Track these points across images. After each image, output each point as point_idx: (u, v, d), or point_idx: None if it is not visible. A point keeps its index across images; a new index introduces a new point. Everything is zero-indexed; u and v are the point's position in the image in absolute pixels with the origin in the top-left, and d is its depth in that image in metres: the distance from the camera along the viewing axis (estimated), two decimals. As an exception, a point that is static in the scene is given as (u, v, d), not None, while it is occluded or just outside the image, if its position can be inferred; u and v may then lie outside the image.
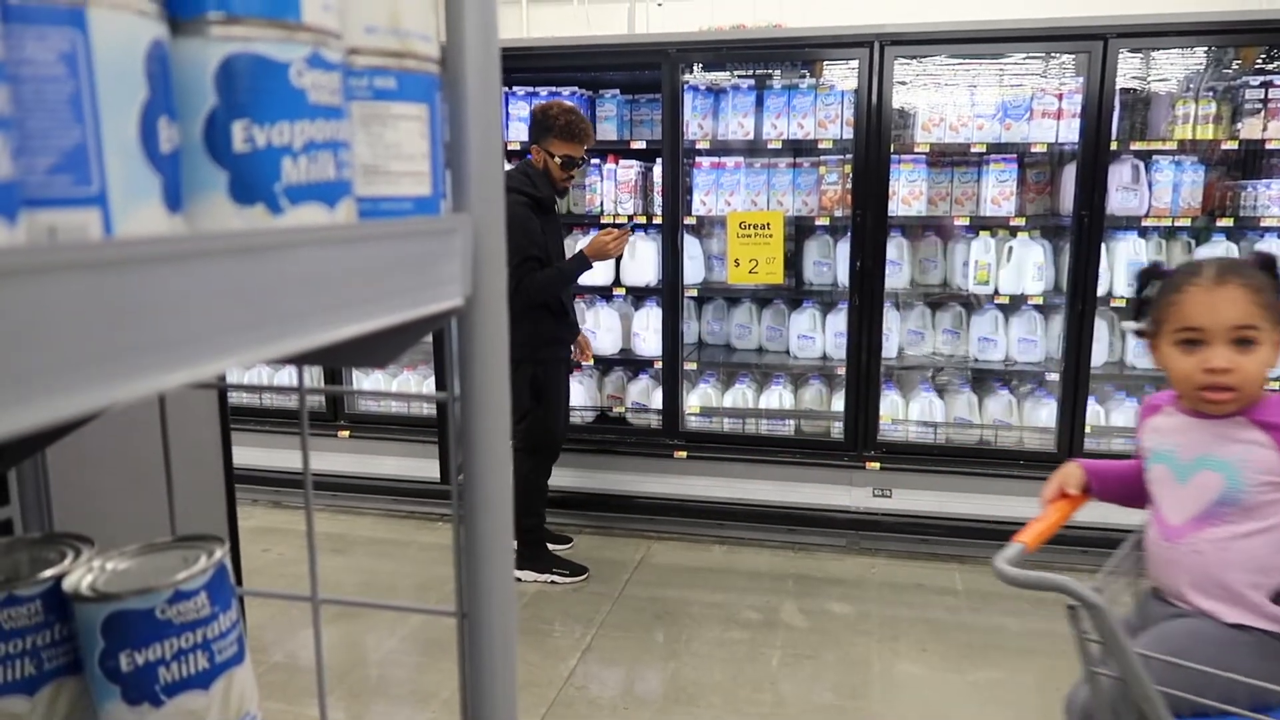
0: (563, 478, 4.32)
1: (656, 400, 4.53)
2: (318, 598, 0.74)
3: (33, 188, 0.35)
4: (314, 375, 4.87)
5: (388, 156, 0.56)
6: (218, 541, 0.69)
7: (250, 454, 4.65)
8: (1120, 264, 4.08)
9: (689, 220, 4.40)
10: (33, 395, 0.32)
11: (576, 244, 4.09)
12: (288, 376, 4.99)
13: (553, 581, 3.85)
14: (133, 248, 0.35)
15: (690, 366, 4.57)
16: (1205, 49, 4.11)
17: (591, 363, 4.30)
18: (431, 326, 0.62)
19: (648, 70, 4.32)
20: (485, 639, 0.67)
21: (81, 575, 0.66)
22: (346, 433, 4.70)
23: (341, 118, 0.50)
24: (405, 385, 4.85)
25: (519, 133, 4.53)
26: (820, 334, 4.52)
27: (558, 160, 3.66)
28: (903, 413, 4.40)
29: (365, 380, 4.92)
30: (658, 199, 4.40)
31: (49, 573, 0.66)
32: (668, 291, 4.32)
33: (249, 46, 0.45)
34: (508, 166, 4.11)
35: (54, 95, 0.35)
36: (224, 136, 0.44)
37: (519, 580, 3.85)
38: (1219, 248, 4.02)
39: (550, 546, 4.13)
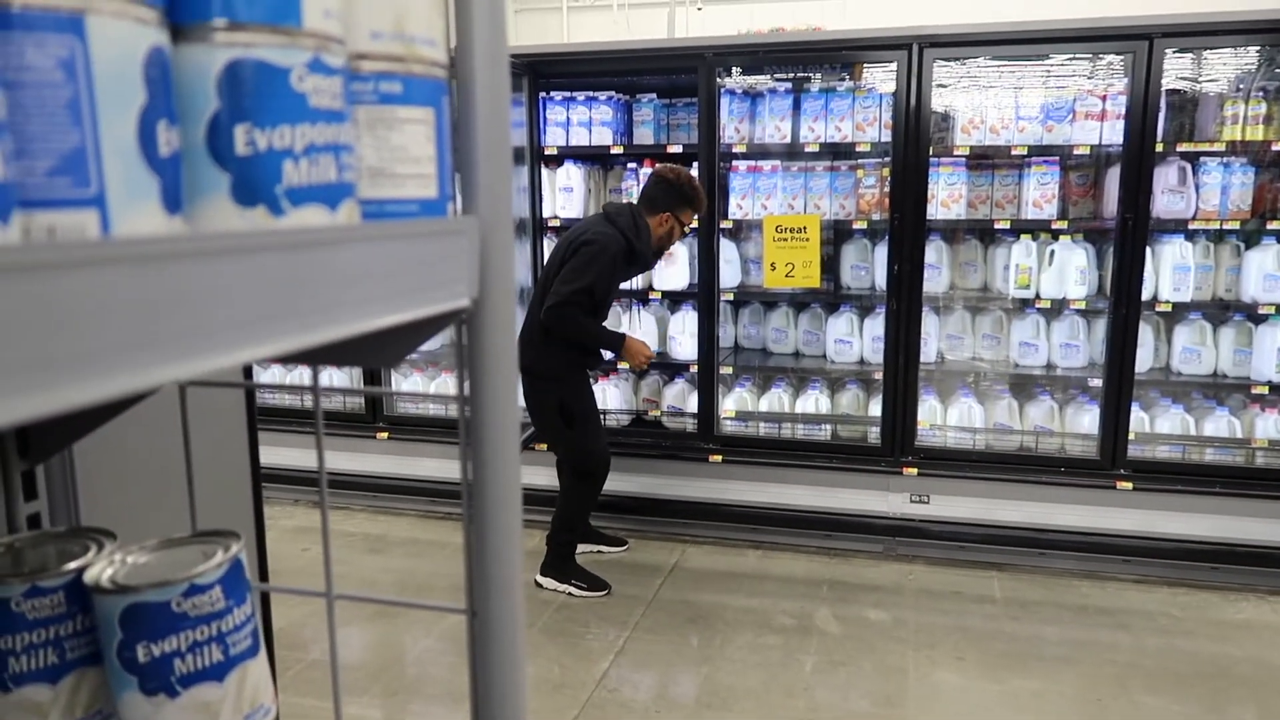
0: (598, 481, 4.33)
1: (692, 404, 4.53)
2: (332, 593, 0.76)
3: (32, 189, 0.36)
4: (353, 377, 4.95)
5: (393, 159, 0.57)
6: (234, 537, 0.70)
7: (291, 455, 4.73)
8: (1166, 268, 4.00)
9: (725, 224, 4.39)
10: (37, 385, 0.34)
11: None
12: (326, 379, 5.07)
13: (570, 594, 3.82)
14: (130, 246, 0.36)
15: (726, 370, 4.56)
16: (1256, 48, 4.02)
17: (646, 366, 4.11)
18: (439, 327, 0.62)
19: (684, 74, 4.32)
20: (494, 636, 0.68)
21: (102, 568, 0.67)
22: (385, 434, 4.76)
23: (343, 121, 0.51)
24: (444, 388, 4.90)
25: (556, 137, 4.56)
26: (858, 338, 4.48)
27: (686, 230, 3.86)
28: (941, 418, 4.35)
29: (404, 382, 4.98)
30: (694, 203, 4.40)
31: (72, 565, 0.68)
32: (703, 295, 4.32)
33: (251, 52, 0.46)
34: (621, 200, 4.21)
35: (53, 100, 0.36)
36: (226, 140, 0.45)
37: (539, 586, 3.86)
38: (1269, 251, 3.92)
39: (604, 549, 4.17)
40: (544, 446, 4.10)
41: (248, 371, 1.06)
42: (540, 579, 3.88)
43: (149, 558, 0.70)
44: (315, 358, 0.62)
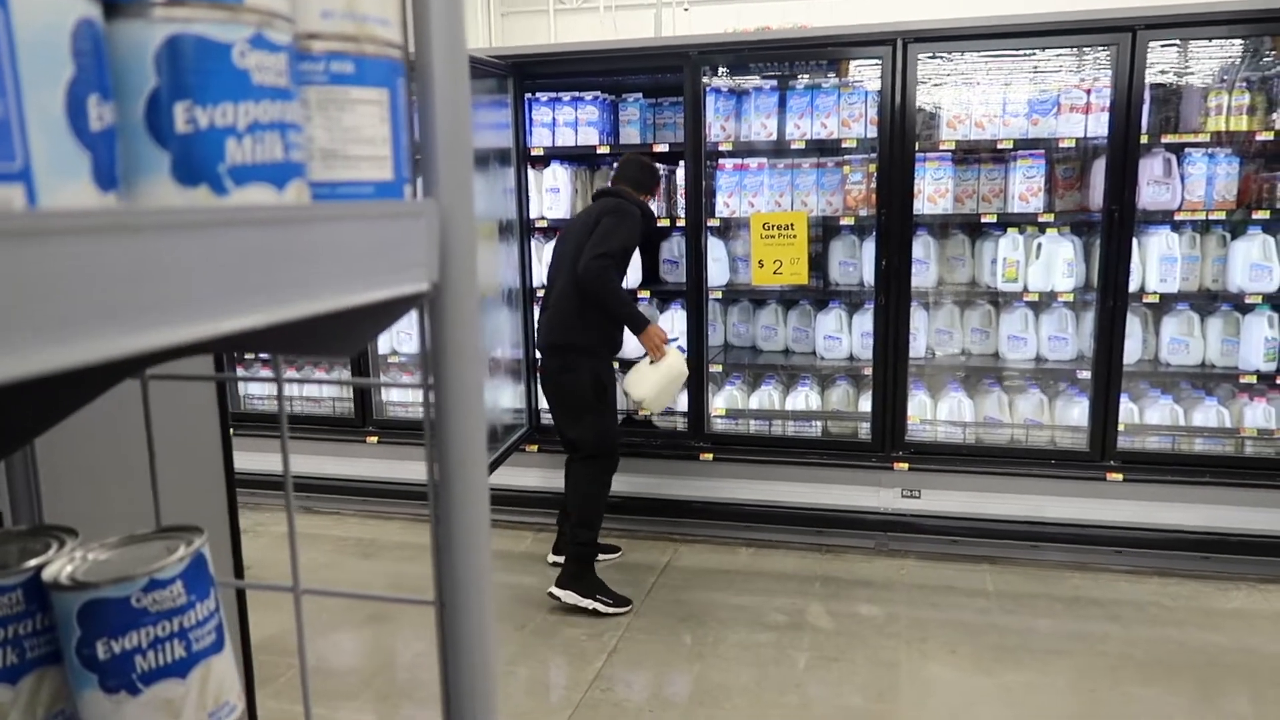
0: (589, 481, 4.31)
1: (682, 402, 4.52)
2: (299, 588, 0.74)
3: (-48, 163, 0.35)
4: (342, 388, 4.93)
5: (346, 141, 0.56)
6: (197, 532, 0.69)
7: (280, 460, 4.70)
8: (1152, 259, 4.00)
9: (713, 222, 4.38)
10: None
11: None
12: (318, 387, 5.05)
13: (595, 609, 3.64)
14: (61, 219, 0.36)
15: (716, 368, 4.55)
16: (1240, 39, 4.03)
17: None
18: (397, 313, 0.61)
19: (669, 73, 4.32)
20: (461, 627, 0.67)
21: (62, 565, 0.66)
22: (375, 438, 4.74)
23: (289, 99, 0.50)
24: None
25: (542, 138, 4.55)
26: (847, 334, 4.48)
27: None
28: (931, 413, 4.35)
29: (395, 387, 4.96)
30: (681, 201, 4.40)
31: (31, 563, 0.67)
32: (692, 294, 4.31)
33: (190, 27, 0.45)
34: (602, 185, 4.15)
35: (-28, 72, 0.35)
36: (166, 117, 0.44)
37: (557, 599, 3.66)
38: (1255, 241, 3.93)
39: (600, 556, 4.03)
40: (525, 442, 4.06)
41: (219, 365, 1.05)
42: (559, 592, 3.66)
43: (110, 554, 0.69)
44: (271, 345, 0.61)
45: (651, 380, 3.80)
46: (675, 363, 3.84)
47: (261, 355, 4.96)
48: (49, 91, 0.38)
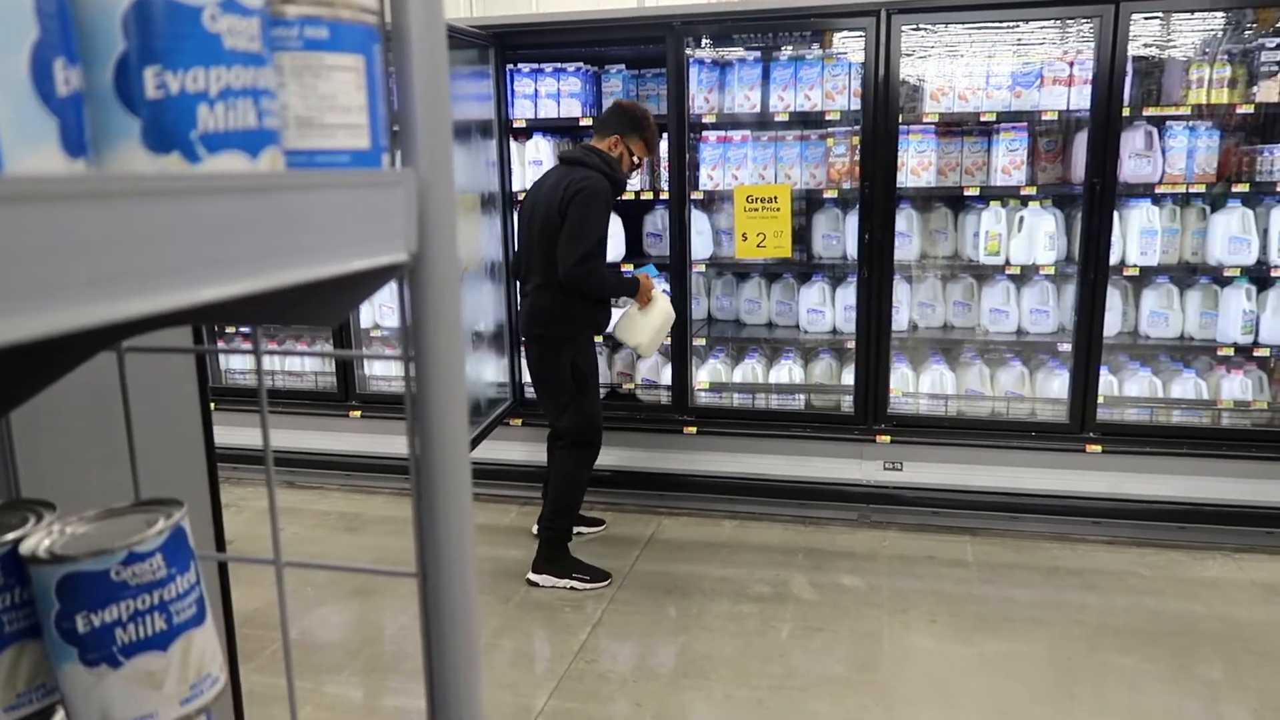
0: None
1: (666, 376, 4.52)
2: (281, 560, 0.74)
3: (-86, 127, 0.34)
4: (326, 363, 4.90)
5: (321, 108, 0.55)
6: (177, 505, 0.69)
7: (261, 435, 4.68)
8: (1133, 232, 4.02)
9: (696, 195, 4.37)
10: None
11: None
12: (298, 362, 5.02)
13: (572, 588, 3.65)
14: (29, 184, 0.35)
15: (699, 342, 4.56)
16: (1222, 12, 4.02)
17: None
18: (376, 283, 0.61)
19: (653, 44, 4.28)
20: (443, 599, 0.67)
21: (39, 538, 0.66)
22: (358, 412, 4.72)
23: (263, 64, 0.49)
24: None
25: (524, 110, 4.51)
26: (830, 307, 4.49)
27: (634, 158, 3.74)
28: (913, 385, 4.37)
29: (378, 361, 4.94)
30: (665, 174, 4.38)
31: (8, 536, 0.66)
32: (675, 267, 4.30)
33: (159, -10, 0.44)
34: (580, 144, 4.00)
35: (-67, 33, 0.34)
36: (136, 83, 0.44)
37: (535, 585, 3.69)
38: (1234, 214, 3.95)
39: (582, 529, 4.09)
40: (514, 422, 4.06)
41: (197, 337, 1.04)
42: (535, 577, 3.70)
43: (88, 528, 0.68)
44: (249, 315, 0.61)
45: (647, 327, 3.86)
46: (665, 307, 3.92)
47: (241, 329, 4.92)
48: (12, 54, 0.37)
